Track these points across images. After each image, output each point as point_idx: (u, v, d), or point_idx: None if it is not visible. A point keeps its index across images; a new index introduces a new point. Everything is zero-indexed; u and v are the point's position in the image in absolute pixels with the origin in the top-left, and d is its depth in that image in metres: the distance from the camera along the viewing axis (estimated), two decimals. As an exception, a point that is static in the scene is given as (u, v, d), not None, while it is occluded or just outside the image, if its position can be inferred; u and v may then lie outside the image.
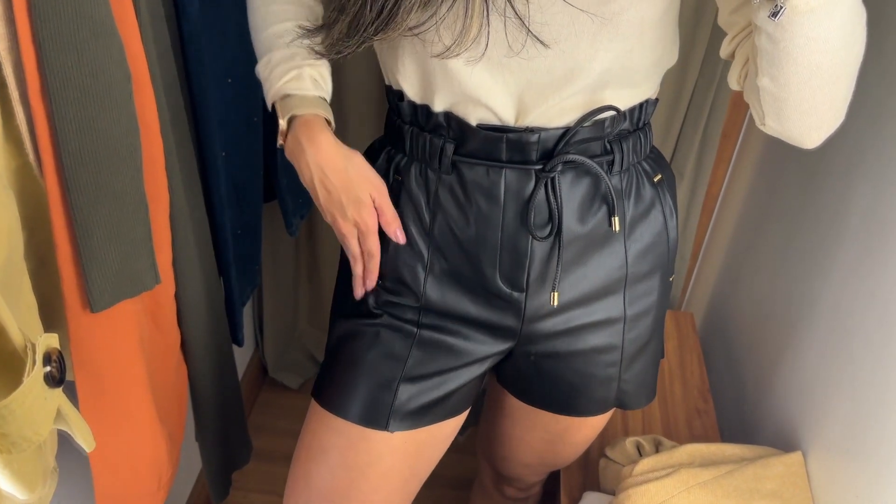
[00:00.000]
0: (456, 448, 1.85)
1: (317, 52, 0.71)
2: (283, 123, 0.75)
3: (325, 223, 1.68)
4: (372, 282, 0.80)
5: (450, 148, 0.73)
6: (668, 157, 1.50)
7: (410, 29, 0.64)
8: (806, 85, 0.60)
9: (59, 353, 0.47)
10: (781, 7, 0.55)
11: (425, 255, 0.78)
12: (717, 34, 1.32)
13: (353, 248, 0.79)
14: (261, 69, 0.77)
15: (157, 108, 0.72)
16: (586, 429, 0.93)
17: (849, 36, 0.58)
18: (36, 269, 0.68)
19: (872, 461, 0.90)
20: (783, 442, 1.12)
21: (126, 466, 0.81)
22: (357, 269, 0.80)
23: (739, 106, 1.46)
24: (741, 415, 1.33)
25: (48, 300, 0.70)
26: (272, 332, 1.80)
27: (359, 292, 0.81)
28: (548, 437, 0.94)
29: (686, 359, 1.43)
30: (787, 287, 1.23)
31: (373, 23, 0.63)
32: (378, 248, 0.78)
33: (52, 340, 0.47)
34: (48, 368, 0.46)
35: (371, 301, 0.81)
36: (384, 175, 0.79)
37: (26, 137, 0.61)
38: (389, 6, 0.62)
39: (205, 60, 0.87)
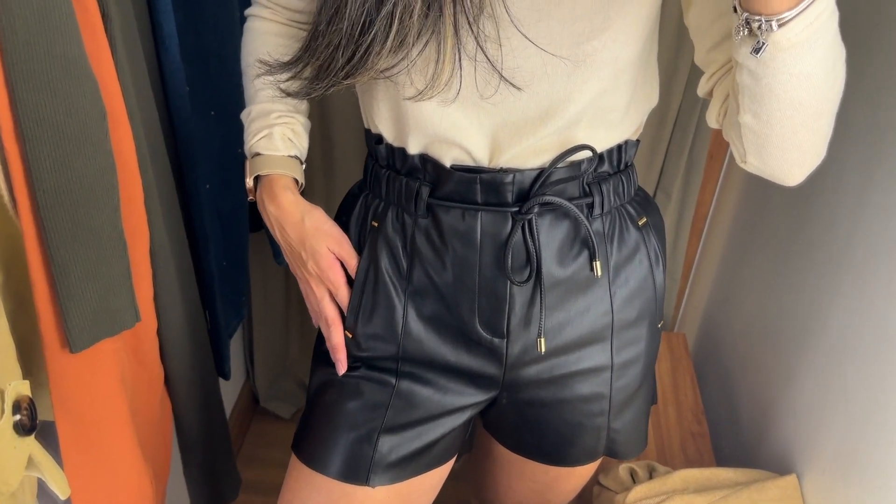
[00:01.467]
0: (453, 475, 1.83)
1: (285, 93, 0.71)
2: (249, 182, 0.78)
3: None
4: (341, 352, 0.80)
5: (425, 191, 0.72)
6: (654, 179, 1.50)
7: (381, 72, 0.64)
8: (789, 122, 0.60)
9: (31, 400, 0.46)
10: (764, 43, 0.55)
11: (402, 302, 0.77)
12: (700, 56, 1.33)
13: (318, 308, 0.79)
14: (243, 118, 0.79)
15: (135, 144, 0.72)
16: (575, 478, 0.91)
17: (830, 71, 0.57)
18: (13, 309, 0.67)
19: (867, 483, 0.88)
20: (778, 464, 1.11)
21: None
22: (332, 336, 0.79)
23: (725, 126, 1.46)
24: (736, 436, 1.32)
25: (27, 340, 0.69)
26: (263, 361, 1.78)
27: (340, 369, 0.80)
28: (536, 487, 0.92)
29: (679, 381, 1.42)
30: (778, 307, 1.22)
31: (343, 67, 0.63)
32: (339, 309, 0.78)
33: (22, 388, 0.46)
34: (17, 417, 0.45)
35: (351, 351, 0.80)
36: (362, 221, 0.78)
37: (0, 177, 0.60)
38: (361, 52, 0.62)
39: (186, 94, 0.87)
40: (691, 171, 1.47)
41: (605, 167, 0.73)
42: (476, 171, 0.70)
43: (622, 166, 0.75)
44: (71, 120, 0.60)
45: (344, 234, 0.77)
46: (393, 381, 0.79)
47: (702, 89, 0.70)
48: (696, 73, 1.35)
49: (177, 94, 0.86)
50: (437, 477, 0.84)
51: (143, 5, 0.80)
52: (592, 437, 0.83)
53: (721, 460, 1.31)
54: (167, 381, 0.90)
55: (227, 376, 1.11)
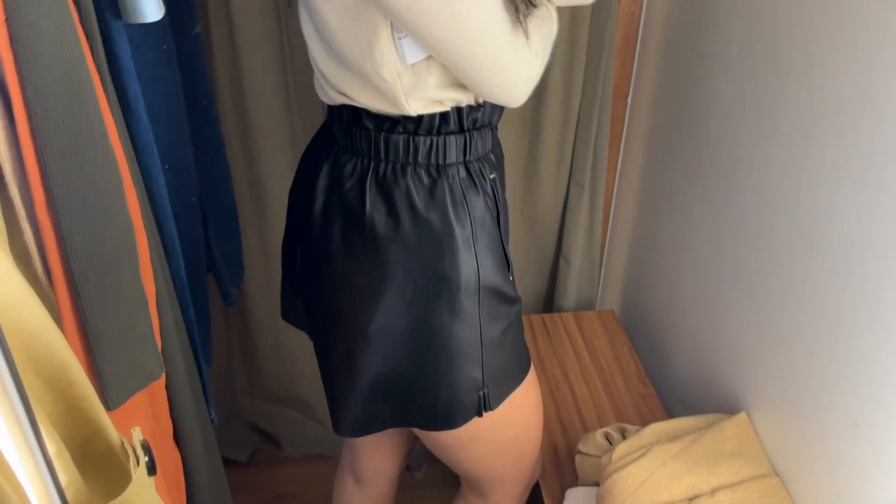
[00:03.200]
0: (415, 484, 1.89)
1: None
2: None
3: (256, 289, 1.69)
4: None
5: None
6: (566, 173, 1.63)
7: None
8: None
9: (149, 444, 0.50)
10: None
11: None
12: (594, 52, 1.47)
13: None
14: None
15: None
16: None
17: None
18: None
19: (808, 407, 1.04)
20: (725, 407, 1.26)
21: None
22: None
23: (617, 119, 1.62)
24: (680, 392, 1.46)
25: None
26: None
27: None
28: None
29: (619, 351, 1.56)
30: (694, 265, 1.38)
31: None
32: None
33: (140, 433, 0.49)
34: (147, 458, 0.48)
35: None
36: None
37: (34, 251, 0.62)
38: None
39: (156, 153, 0.90)
40: (597, 161, 1.62)
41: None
42: None
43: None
44: (97, 188, 0.63)
45: None
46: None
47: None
48: (591, 73, 1.49)
49: (145, 153, 0.89)
50: None
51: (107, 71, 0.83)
52: None
53: (671, 415, 1.45)
54: (175, 432, 0.92)
55: (213, 421, 1.13)
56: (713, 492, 1.01)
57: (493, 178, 0.91)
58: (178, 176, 1.05)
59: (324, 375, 0.99)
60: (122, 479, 0.46)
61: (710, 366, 1.33)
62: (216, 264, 1.32)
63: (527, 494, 1.18)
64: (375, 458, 1.21)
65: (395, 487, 1.29)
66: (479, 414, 0.93)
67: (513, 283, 0.95)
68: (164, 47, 0.99)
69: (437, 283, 0.86)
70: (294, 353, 1.79)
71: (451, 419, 0.92)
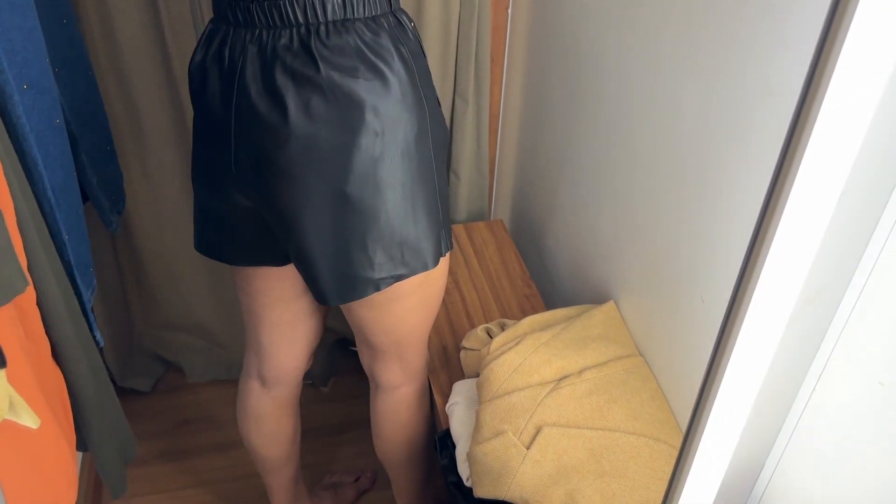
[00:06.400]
0: (322, 398, 1.95)
1: None
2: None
3: (143, 216, 1.67)
4: None
5: None
6: (450, 88, 1.66)
7: None
8: None
9: (-3, 339, 0.51)
10: None
11: None
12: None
13: None
14: None
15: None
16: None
17: None
18: None
19: (665, 290, 1.13)
20: (598, 298, 1.36)
21: (35, 475, 0.83)
22: None
23: (499, 32, 1.65)
24: (560, 287, 1.56)
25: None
26: (110, 340, 1.76)
27: None
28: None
29: (506, 257, 1.63)
30: (570, 175, 1.45)
31: None
32: None
33: (-12, 329, 0.51)
34: (-5, 352, 0.50)
35: None
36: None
37: None
38: None
39: (6, 69, 0.87)
40: (479, 75, 1.65)
41: None
42: None
43: None
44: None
45: None
46: None
47: None
48: (467, -15, 1.51)
49: (-6, 69, 0.86)
50: None
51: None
52: None
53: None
54: (54, 351, 0.93)
55: (99, 343, 1.13)
56: (581, 372, 1.10)
57: (413, 26, 1.00)
58: (38, 96, 1.01)
59: (313, 250, 0.99)
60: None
61: (585, 264, 1.42)
62: (93, 190, 1.30)
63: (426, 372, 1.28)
64: (283, 357, 1.25)
65: (299, 391, 1.34)
66: (443, 254, 1.05)
67: (445, 122, 1.05)
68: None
69: (399, 125, 0.93)
70: (189, 280, 1.79)
71: (428, 260, 1.02)
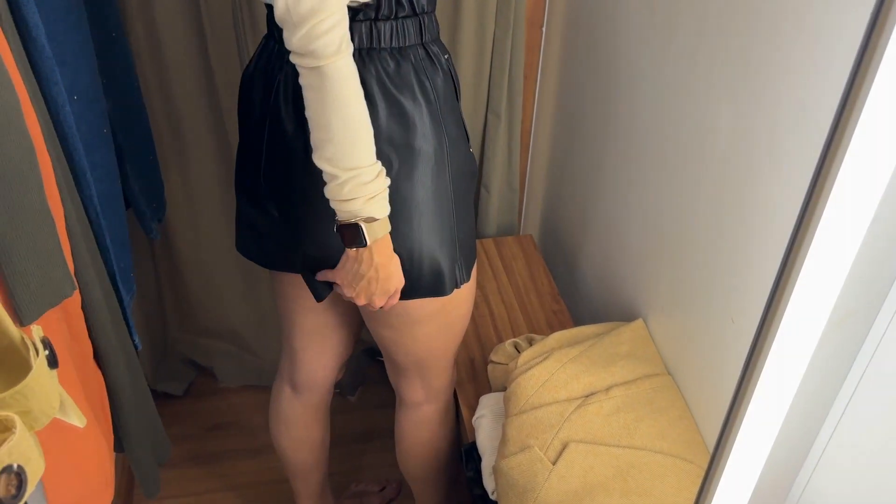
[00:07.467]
0: (349, 407, 1.97)
1: None
2: (369, 239, 0.88)
3: (181, 225, 1.71)
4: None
5: None
6: (483, 103, 1.68)
7: None
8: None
9: (49, 339, 0.54)
10: None
11: None
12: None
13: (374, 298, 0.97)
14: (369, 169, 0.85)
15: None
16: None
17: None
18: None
19: (694, 310, 1.14)
20: (626, 316, 1.36)
21: (76, 474, 0.85)
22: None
23: (532, 50, 1.67)
24: (589, 305, 1.56)
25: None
26: (145, 344, 1.80)
27: None
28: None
29: (535, 274, 1.64)
30: (600, 192, 1.46)
31: None
32: None
33: (41, 330, 0.53)
34: (47, 352, 0.53)
35: None
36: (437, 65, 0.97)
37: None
38: None
39: (59, 80, 0.90)
40: (512, 91, 1.66)
41: None
42: None
43: None
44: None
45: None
46: None
47: None
48: (503, 2, 1.53)
49: (50, 81, 0.90)
50: None
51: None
52: None
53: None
54: (95, 354, 0.96)
55: (137, 347, 1.16)
56: (608, 389, 1.10)
57: (448, 58, 1.00)
58: (87, 106, 1.05)
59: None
60: (24, 372, 0.50)
61: (614, 281, 1.42)
62: (136, 198, 1.34)
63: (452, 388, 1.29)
64: (313, 364, 1.27)
65: (330, 398, 1.36)
66: (458, 285, 1.04)
67: (473, 156, 1.05)
68: (64, -24, 0.99)
69: (414, 156, 0.94)
70: (224, 287, 1.83)
71: (440, 287, 1.02)
